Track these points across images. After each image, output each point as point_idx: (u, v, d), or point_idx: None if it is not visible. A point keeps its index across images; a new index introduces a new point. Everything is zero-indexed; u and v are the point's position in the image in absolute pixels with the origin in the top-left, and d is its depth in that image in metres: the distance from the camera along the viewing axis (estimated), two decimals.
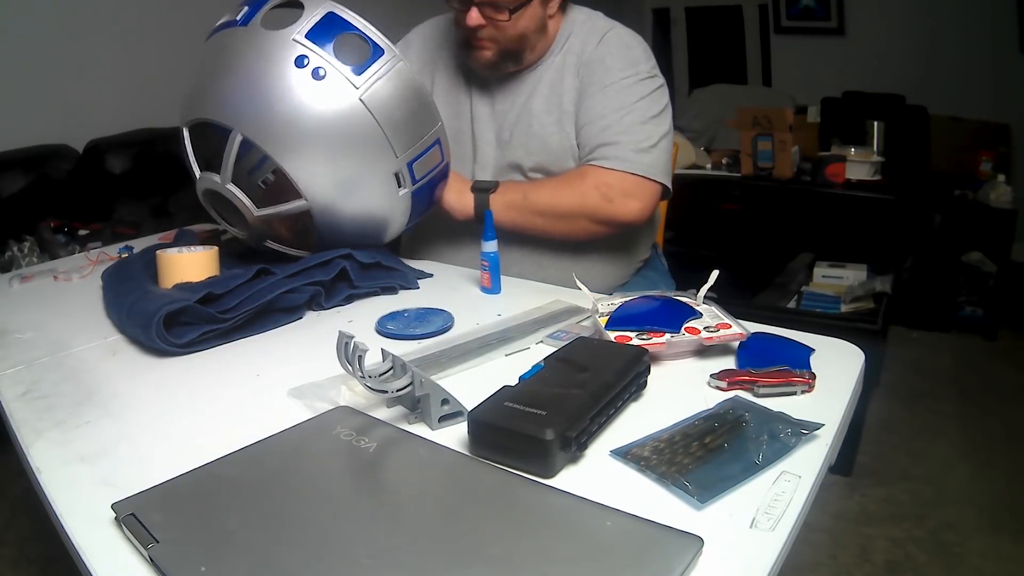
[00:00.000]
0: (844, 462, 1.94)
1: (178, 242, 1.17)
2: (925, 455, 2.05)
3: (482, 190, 1.13)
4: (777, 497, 0.51)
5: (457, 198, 1.13)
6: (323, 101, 0.89)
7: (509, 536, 0.46)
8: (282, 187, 0.96)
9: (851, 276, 2.51)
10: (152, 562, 0.45)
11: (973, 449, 2.06)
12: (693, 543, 0.44)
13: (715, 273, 0.82)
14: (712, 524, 0.48)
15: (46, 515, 0.55)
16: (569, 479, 0.54)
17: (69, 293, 1.09)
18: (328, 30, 0.90)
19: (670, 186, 1.17)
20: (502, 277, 1.01)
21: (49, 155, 2.56)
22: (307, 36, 0.89)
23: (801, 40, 4.39)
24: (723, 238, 2.93)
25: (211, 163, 0.95)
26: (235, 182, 0.94)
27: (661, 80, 1.17)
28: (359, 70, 0.90)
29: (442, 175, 1.06)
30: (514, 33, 1.11)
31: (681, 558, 0.43)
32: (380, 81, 0.91)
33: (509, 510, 0.49)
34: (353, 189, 0.95)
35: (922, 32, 3.84)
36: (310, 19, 0.90)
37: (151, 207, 2.76)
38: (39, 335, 0.90)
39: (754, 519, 0.49)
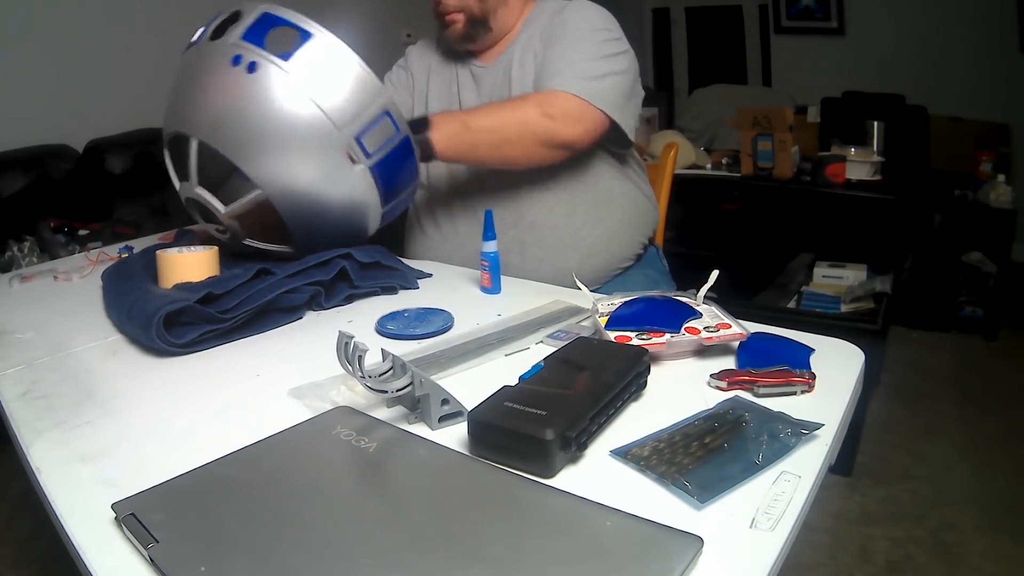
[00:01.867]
0: (844, 462, 1.94)
1: (178, 242, 1.17)
2: (925, 455, 2.05)
3: (417, 131, 1.07)
4: (777, 497, 0.51)
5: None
6: (258, 90, 0.93)
7: (509, 536, 0.46)
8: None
9: (851, 276, 2.51)
10: (152, 562, 0.45)
11: (973, 449, 2.06)
12: (693, 543, 0.44)
13: (715, 273, 0.82)
14: (712, 524, 0.48)
15: (46, 515, 0.55)
16: (569, 479, 0.54)
17: (69, 293, 1.09)
18: (261, 28, 0.95)
19: (623, 125, 1.17)
20: (502, 276, 1.01)
21: (49, 155, 2.56)
22: (242, 38, 0.94)
23: (801, 40, 4.39)
24: (723, 238, 2.93)
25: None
26: (218, 190, 0.97)
27: (617, 35, 1.20)
28: (287, 56, 0.93)
29: (403, 149, 1.02)
30: None
31: (681, 558, 0.43)
32: (309, 62, 0.94)
33: (509, 510, 0.49)
34: (305, 171, 0.96)
35: (922, 32, 3.84)
36: (245, 23, 0.95)
37: (151, 207, 2.75)
38: (39, 335, 0.90)
39: (754, 519, 0.49)
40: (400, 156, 1.02)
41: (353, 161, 0.97)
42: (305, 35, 0.94)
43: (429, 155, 1.06)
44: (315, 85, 0.93)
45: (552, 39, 1.20)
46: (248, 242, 1.01)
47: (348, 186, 0.99)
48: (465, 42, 1.26)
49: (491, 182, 1.23)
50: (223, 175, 1.02)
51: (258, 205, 0.96)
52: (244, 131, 0.93)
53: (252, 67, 0.92)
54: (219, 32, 0.97)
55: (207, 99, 0.95)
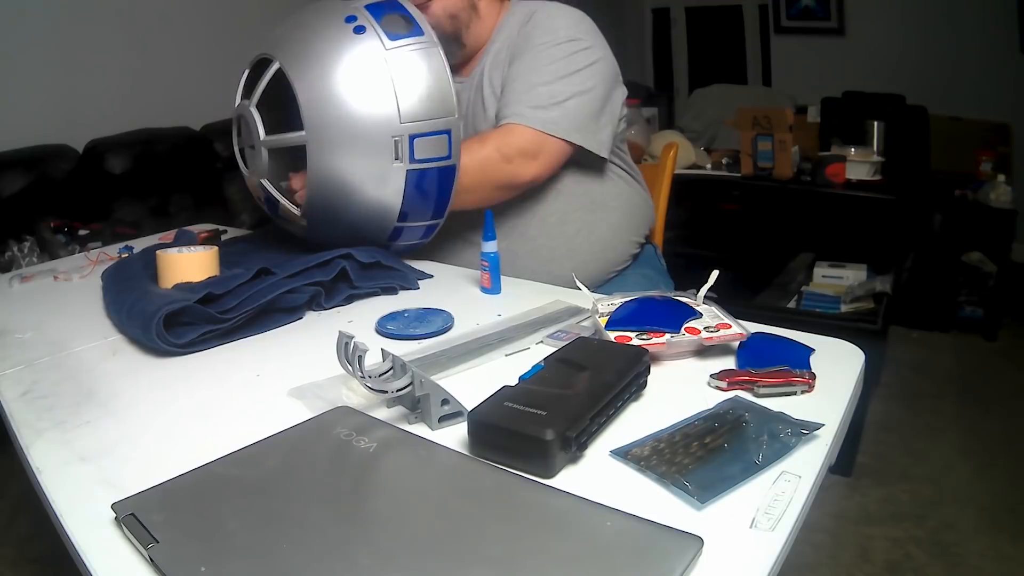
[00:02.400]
0: (844, 462, 1.94)
1: (178, 242, 1.17)
2: (925, 455, 2.05)
3: None
4: (777, 497, 0.51)
5: None
6: (354, 49, 0.98)
7: (509, 536, 0.46)
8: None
9: (851, 276, 2.51)
10: (152, 562, 0.45)
11: (973, 449, 2.06)
12: (693, 543, 0.44)
13: (715, 273, 0.82)
14: (712, 524, 0.48)
15: (46, 515, 0.55)
16: (569, 479, 0.54)
17: (69, 293, 1.09)
18: (385, 7, 1.02)
19: (589, 145, 1.15)
20: (502, 277, 1.01)
21: (49, 155, 2.56)
22: (366, 7, 1.01)
23: (801, 40, 4.39)
24: (723, 238, 2.93)
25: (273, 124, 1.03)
26: (270, 167, 1.03)
27: (586, 44, 1.16)
28: (395, 37, 0.99)
29: (445, 173, 1.03)
30: (442, 13, 1.19)
31: (681, 558, 0.43)
32: (409, 51, 0.99)
33: (509, 510, 0.49)
34: (350, 137, 0.98)
35: (922, 32, 3.84)
36: None
37: (151, 207, 2.76)
38: (39, 335, 0.90)
39: (754, 519, 0.49)
40: (438, 178, 1.04)
41: (396, 156, 0.99)
42: (417, 30, 1.01)
43: None
44: (402, 73, 0.98)
45: (516, 52, 1.18)
46: (264, 183, 1.04)
47: (379, 175, 1.00)
48: None
49: None
50: (277, 126, 1.06)
51: (292, 151, 1.00)
52: (322, 73, 0.97)
53: (360, 30, 0.98)
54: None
55: (304, 35, 1.01)
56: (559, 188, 1.21)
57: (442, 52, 1.02)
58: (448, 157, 1.03)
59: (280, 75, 0.99)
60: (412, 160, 1.00)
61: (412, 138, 0.99)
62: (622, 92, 1.24)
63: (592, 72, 1.16)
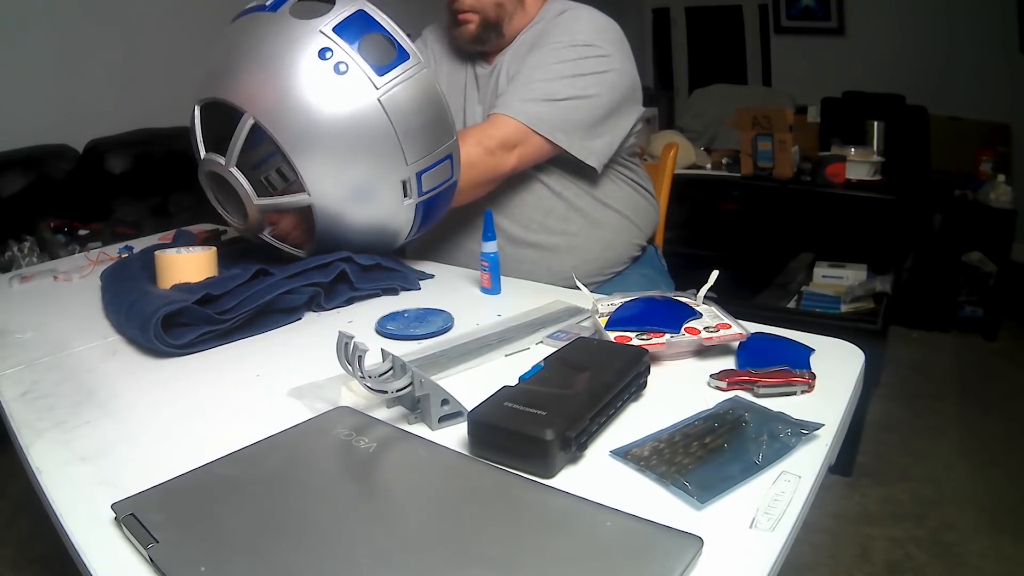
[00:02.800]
0: (844, 462, 1.94)
1: (177, 242, 1.17)
2: (925, 455, 2.05)
3: None
4: (777, 497, 0.51)
5: None
6: (341, 96, 0.88)
7: (509, 536, 0.46)
8: (286, 187, 0.96)
9: (851, 276, 2.51)
10: (152, 562, 0.45)
11: (973, 449, 2.06)
12: (693, 543, 0.44)
13: (715, 273, 0.82)
14: (712, 524, 0.48)
15: (46, 515, 0.55)
16: (569, 479, 0.54)
17: (69, 293, 1.09)
18: (356, 27, 0.89)
19: (575, 150, 1.14)
20: (502, 276, 1.01)
21: (49, 155, 2.56)
22: (335, 30, 0.88)
23: (801, 40, 4.39)
24: (723, 238, 2.93)
25: (219, 147, 0.92)
26: (247, 173, 0.92)
27: (603, 52, 1.15)
28: (382, 71, 0.89)
29: (449, 193, 1.03)
30: (489, 2, 1.18)
31: (681, 558, 0.43)
32: (401, 85, 0.90)
33: (509, 510, 0.49)
34: (359, 191, 0.94)
35: (922, 32, 3.84)
36: (340, 14, 0.89)
37: (151, 207, 2.76)
38: (39, 335, 0.90)
39: (754, 519, 0.49)
40: (444, 197, 1.03)
41: (406, 195, 0.96)
42: (403, 55, 0.91)
43: None
44: (401, 111, 0.90)
45: (535, 46, 1.18)
46: (264, 237, 0.99)
47: (390, 214, 0.97)
48: (475, 44, 1.24)
49: (485, 196, 1.22)
50: (258, 161, 0.99)
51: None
52: (312, 131, 0.88)
53: (340, 68, 0.87)
54: (300, 9, 0.91)
55: (278, 82, 0.88)
56: (563, 186, 1.22)
57: (430, 68, 0.95)
58: (452, 176, 1.01)
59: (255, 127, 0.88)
60: (420, 194, 0.97)
61: (419, 175, 0.95)
62: (636, 110, 1.23)
63: (600, 80, 1.14)
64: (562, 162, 1.19)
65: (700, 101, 4.32)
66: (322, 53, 0.87)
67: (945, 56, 3.73)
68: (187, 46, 3.03)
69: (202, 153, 0.95)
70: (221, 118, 0.92)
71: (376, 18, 0.91)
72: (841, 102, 3.35)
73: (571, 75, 1.13)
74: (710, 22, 4.87)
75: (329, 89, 0.88)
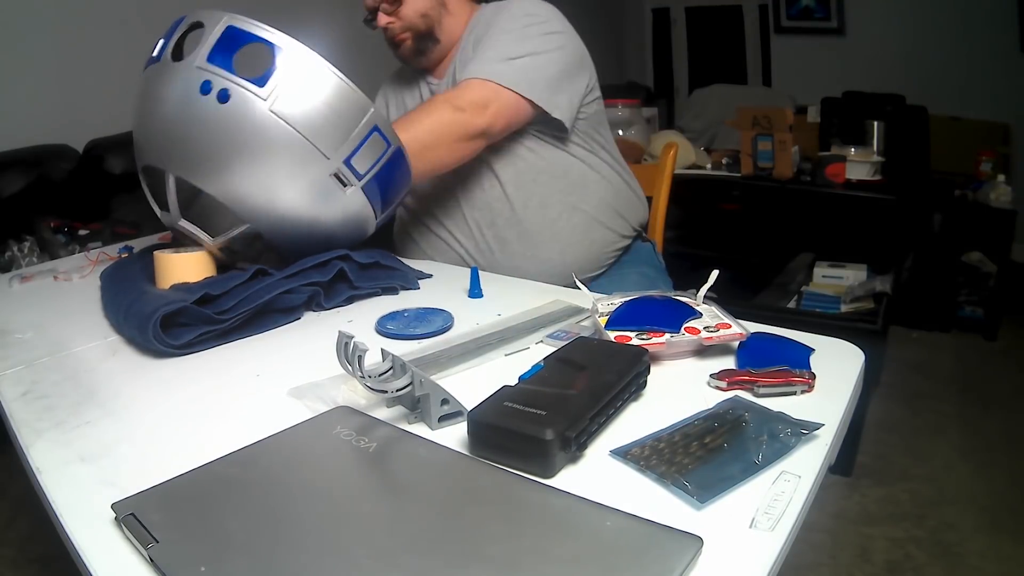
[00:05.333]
0: (844, 462, 1.94)
1: (177, 242, 1.17)
2: (925, 455, 2.05)
3: None
4: (777, 497, 0.51)
5: None
6: (234, 122, 0.86)
7: (509, 536, 0.46)
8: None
9: (851, 276, 2.51)
10: (152, 562, 0.45)
11: (973, 449, 2.06)
12: (693, 543, 0.44)
13: (715, 273, 0.82)
14: (712, 524, 0.48)
15: (46, 515, 0.55)
16: (569, 479, 0.54)
17: (69, 293, 1.09)
18: (229, 47, 0.87)
19: (544, 104, 1.16)
20: (502, 277, 1.01)
21: (49, 155, 2.56)
22: (208, 60, 0.86)
23: (801, 40, 4.39)
24: (723, 238, 2.93)
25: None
26: (208, 216, 0.94)
27: (546, 23, 1.20)
28: (262, 80, 0.86)
29: (396, 159, 0.99)
30: (413, 14, 1.23)
31: (681, 558, 0.43)
32: (286, 85, 0.87)
33: (509, 510, 0.49)
34: (295, 203, 0.92)
35: (922, 32, 3.84)
36: (210, 40, 0.87)
37: (151, 207, 2.75)
38: (39, 335, 0.90)
39: (754, 519, 0.49)
40: (393, 167, 0.99)
41: (344, 184, 0.93)
42: (276, 51, 0.87)
43: None
44: (297, 111, 0.87)
45: (479, 40, 1.21)
46: (241, 265, 0.98)
47: (341, 208, 0.96)
48: (418, 58, 1.28)
49: (459, 185, 1.24)
50: (211, 201, 0.98)
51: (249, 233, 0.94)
52: (225, 167, 0.88)
53: (224, 96, 0.86)
54: (181, 49, 0.91)
55: (178, 132, 0.89)
56: (537, 171, 1.23)
57: (314, 53, 0.89)
58: (388, 144, 0.96)
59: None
60: (360, 177, 0.94)
61: (348, 162, 0.92)
62: (590, 75, 1.26)
63: (547, 40, 1.18)
64: (537, 140, 1.22)
65: (700, 101, 4.32)
66: (204, 88, 0.86)
67: (945, 56, 3.73)
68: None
69: (158, 213, 0.99)
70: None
71: (245, 28, 0.88)
72: (841, 102, 3.35)
73: (524, 38, 1.17)
74: (710, 22, 4.87)
75: (221, 120, 0.86)
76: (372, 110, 0.92)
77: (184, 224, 0.94)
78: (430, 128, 1.09)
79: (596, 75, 1.28)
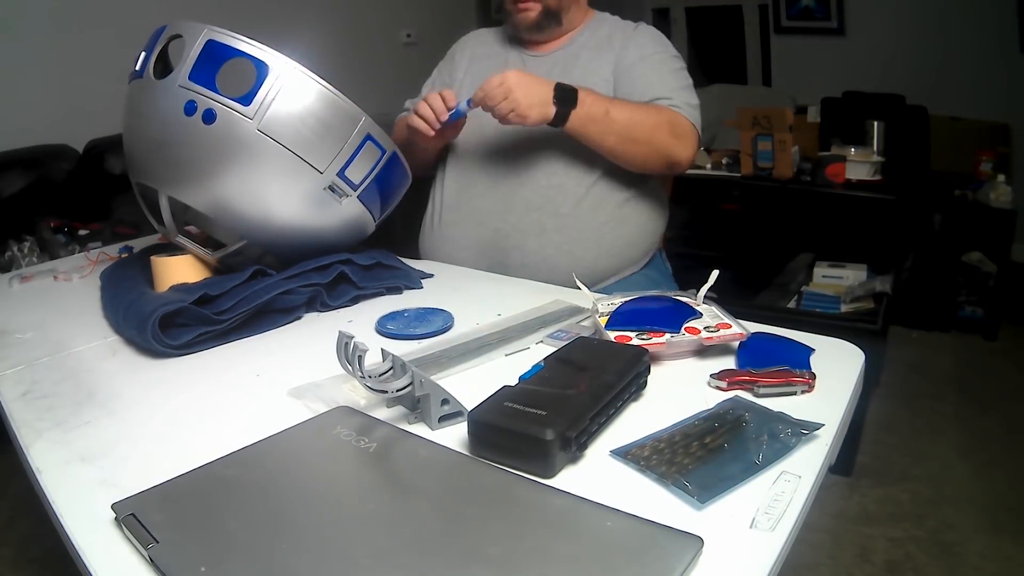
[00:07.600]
0: (844, 462, 1.94)
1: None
2: (925, 455, 2.05)
3: (565, 100, 1.09)
4: (777, 497, 0.51)
5: (540, 111, 1.08)
6: (222, 143, 0.85)
7: (509, 536, 0.46)
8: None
9: (851, 276, 2.51)
10: (152, 562, 0.45)
11: (973, 449, 2.06)
12: (693, 543, 0.44)
13: (715, 273, 0.82)
14: (712, 524, 0.48)
15: (46, 515, 0.55)
16: (569, 479, 0.54)
17: (69, 293, 1.09)
18: (211, 63, 0.85)
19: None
20: (502, 277, 1.02)
21: (49, 155, 2.56)
22: (191, 78, 0.85)
23: (801, 40, 4.39)
24: (723, 238, 2.93)
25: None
26: (202, 214, 0.94)
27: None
28: (247, 99, 0.84)
29: (391, 164, 0.97)
30: None
31: (681, 558, 0.43)
32: (274, 102, 0.84)
33: (509, 510, 0.49)
34: (289, 217, 0.91)
35: (922, 32, 3.84)
36: (191, 57, 0.85)
37: None
38: (39, 335, 0.90)
39: (754, 519, 0.49)
40: (389, 172, 0.98)
41: (340, 195, 0.92)
42: (262, 69, 0.84)
43: (558, 124, 1.11)
44: (286, 128, 0.85)
45: (629, 52, 1.25)
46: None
47: (338, 218, 0.95)
48: (533, 32, 1.29)
49: (522, 162, 1.22)
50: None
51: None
52: (215, 187, 0.87)
53: (209, 116, 0.84)
54: (166, 60, 0.90)
55: (166, 153, 0.88)
56: (602, 176, 1.23)
57: (300, 67, 0.86)
58: (383, 151, 0.94)
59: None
60: (355, 187, 0.93)
61: (342, 174, 0.91)
62: None
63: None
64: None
65: (700, 101, 4.32)
66: (188, 109, 0.84)
67: (945, 56, 3.72)
68: None
69: (156, 227, 0.98)
70: None
71: (225, 42, 0.86)
72: (841, 102, 3.35)
73: (689, 84, 1.28)
74: (710, 22, 4.86)
75: (209, 141, 0.85)
76: (363, 119, 0.90)
77: (182, 239, 0.95)
78: (648, 128, 1.16)
79: None
